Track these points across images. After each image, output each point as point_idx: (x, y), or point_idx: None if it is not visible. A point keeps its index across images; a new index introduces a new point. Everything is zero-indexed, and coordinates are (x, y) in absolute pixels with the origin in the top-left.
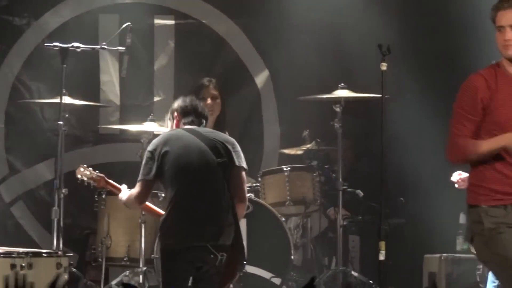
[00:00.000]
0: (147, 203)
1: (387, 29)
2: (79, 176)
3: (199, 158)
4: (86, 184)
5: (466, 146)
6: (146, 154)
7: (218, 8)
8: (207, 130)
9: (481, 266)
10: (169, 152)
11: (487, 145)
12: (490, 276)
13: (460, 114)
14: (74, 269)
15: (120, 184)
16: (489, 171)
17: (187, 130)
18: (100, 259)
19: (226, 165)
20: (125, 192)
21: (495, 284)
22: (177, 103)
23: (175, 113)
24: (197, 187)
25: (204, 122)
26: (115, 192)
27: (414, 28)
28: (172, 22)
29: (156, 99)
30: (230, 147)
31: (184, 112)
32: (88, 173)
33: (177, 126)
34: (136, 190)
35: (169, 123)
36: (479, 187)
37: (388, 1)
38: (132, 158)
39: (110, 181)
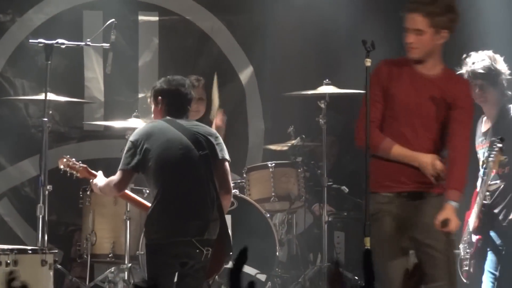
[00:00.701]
0: (130, 193)
1: (371, 25)
2: (61, 166)
3: (182, 152)
4: (68, 174)
5: (379, 142)
6: (128, 144)
7: (202, 4)
8: (189, 123)
9: (467, 262)
10: (151, 147)
11: (398, 153)
12: (487, 268)
13: (369, 99)
14: (59, 266)
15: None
16: (384, 160)
17: (169, 122)
18: (85, 256)
19: (209, 158)
20: (101, 178)
21: (493, 276)
22: (161, 85)
23: (159, 98)
24: (181, 181)
25: (188, 108)
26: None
27: (399, 23)
28: (156, 18)
29: (140, 95)
30: (212, 139)
31: (169, 98)
32: (70, 163)
33: (160, 111)
34: (116, 178)
35: (152, 104)
36: (373, 174)
37: None
38: (117, 154)
39: (93, 171)
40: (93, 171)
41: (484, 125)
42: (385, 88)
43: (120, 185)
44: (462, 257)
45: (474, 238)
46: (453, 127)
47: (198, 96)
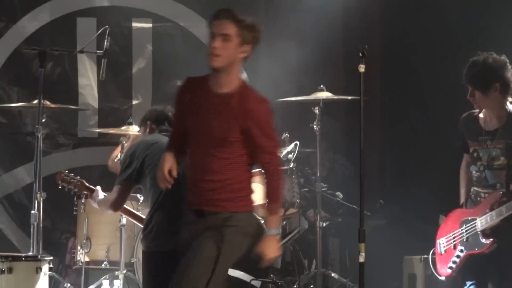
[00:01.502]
0: (128, 207)
1: (365, 31)
2: (59, 182)
3: None
4: (66, 190)
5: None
6: (124, 159)
7: (195, 11)
8: None
9: (456, 259)
10: (149, 155)
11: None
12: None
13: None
14: (53, 273)
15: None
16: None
17: (164, 135)
18: (79, 263)
19: None
20: (99, 194)
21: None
22: (149, 112)
23: (148, 122)
24: (178, 189)
25: None
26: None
27: (392, 30)
28: (149, 25)
29: (134, 102)
30: None
31: (158, 121)
32: (68, 178)
33: (150, 132)
34: (113, 196)
35: (141, 130)
36: None
37: (368, 3)
38: None
39: (91, 186)
40: (91, 186)
41: (484, 122)
42: (182, 107)
43: (117, 203)
44: (444, 252)
45: (483, 239)
46: (257, 152)
47: None
